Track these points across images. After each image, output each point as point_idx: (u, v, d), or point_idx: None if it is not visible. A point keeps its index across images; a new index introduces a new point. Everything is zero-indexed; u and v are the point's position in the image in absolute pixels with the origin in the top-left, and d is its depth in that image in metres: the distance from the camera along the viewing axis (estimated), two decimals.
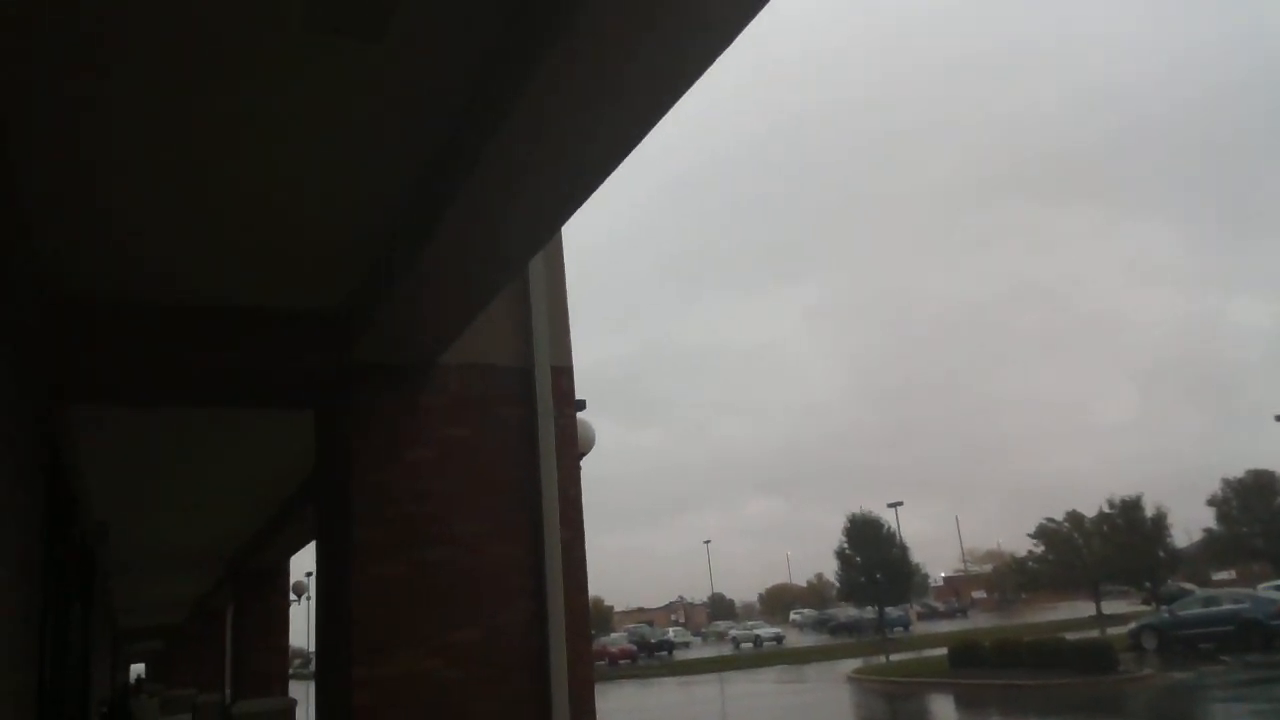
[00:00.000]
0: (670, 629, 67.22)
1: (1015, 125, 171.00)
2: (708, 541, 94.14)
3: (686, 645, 60.32)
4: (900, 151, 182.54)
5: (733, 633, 61.87)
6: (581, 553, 5.43)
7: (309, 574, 26.46)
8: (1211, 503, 55.05)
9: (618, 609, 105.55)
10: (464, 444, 5.22)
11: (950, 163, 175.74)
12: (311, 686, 6.00)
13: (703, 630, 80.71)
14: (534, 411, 5.40)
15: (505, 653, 4.93)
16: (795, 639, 59.02)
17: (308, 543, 12.56)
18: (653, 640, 54.21)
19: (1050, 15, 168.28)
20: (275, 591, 15.94)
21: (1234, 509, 53.79)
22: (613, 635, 55.80)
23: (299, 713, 15.99)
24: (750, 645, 54.51)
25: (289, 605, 17.05)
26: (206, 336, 4.98)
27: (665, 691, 30.54)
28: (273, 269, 4.72)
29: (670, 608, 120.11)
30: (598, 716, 5.28)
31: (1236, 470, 55.27)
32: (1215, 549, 56.62)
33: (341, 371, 5.09)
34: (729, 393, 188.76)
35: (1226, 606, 26.20)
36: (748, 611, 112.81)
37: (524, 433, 5.34)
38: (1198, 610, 27.07)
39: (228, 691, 18.66)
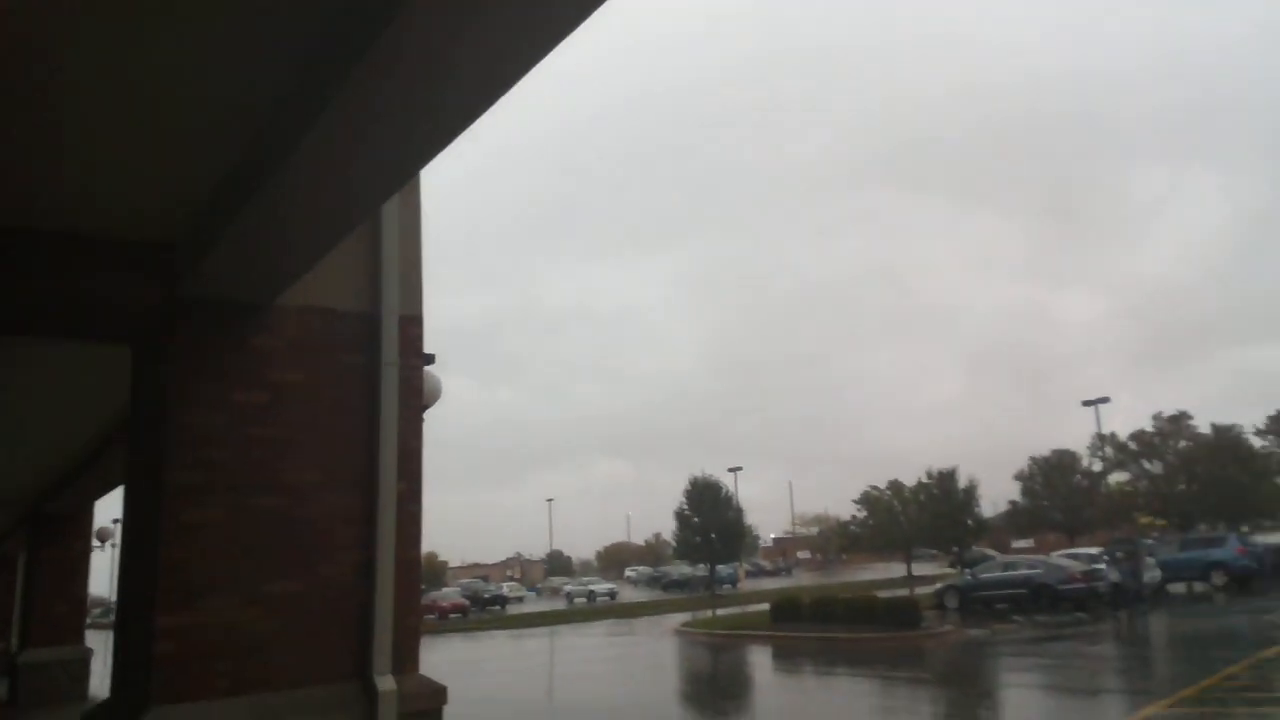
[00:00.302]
0: (505, 584, 67.42)
1: (884, 114, 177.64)
2: (551, 500, 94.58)
3: (520, 600, 60.76)
4: (774, 128, 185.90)
5: (567, 588, 62.65)
6: (417, 506, 5.32)
7: (116, 520, 24.82)
8: (1018, 477, 60.48)
9: (453, 564, 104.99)
10: (299, 389, 5.00)
11: (820, 144, 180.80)
12: (111, 636, 5.63)
13: (538, 586, 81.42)
14: (378, 360, 5.25)
15: (328, 604, 4.81)
16: (629, 595, 60.52)
17: (116, 486, 11.75)
18: (486, 595, 54.27)
19: (925, 8, 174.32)
20: (76, 537, 15.02)
21: (1038, 484, 59.25)
22: (445, 590, 55.36)
23: (95, 663, 15.07)
24: (584, 600, 55.42)
25: (90, 551, 16.01)
26: (12, 260, 4.55)
27: (494, 644, 30.68)
28: (98, 193, 4.35)
29: (507, 564, 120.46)
30: (421, 668, 5.26)
31: (1043, 449, 61.13)
32: (1018, 519, 62.16)
33: (166, 306, 4.77)
34: (586, 355, 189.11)
35: (1022, 571, 28.71)
36: (585, 569, 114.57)
37: (366, 381, 5.19)
38: (997, 574, 29.57)
39: (14, 640, 17.47)
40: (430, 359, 9.87)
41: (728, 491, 52.87)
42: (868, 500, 61.44)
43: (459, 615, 44.66)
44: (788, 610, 25.67)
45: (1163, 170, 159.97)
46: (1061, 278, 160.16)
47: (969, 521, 54.62)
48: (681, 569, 62.75)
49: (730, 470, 58.04)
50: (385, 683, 4.83)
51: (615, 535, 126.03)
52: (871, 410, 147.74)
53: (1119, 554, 28.63)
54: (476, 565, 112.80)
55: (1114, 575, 25.70)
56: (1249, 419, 62.99)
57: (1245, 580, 30.76)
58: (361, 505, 4.99)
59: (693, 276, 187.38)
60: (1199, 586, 31.92)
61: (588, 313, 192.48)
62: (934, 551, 62.22)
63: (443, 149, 3.45)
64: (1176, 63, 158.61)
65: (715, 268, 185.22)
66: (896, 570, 60.95)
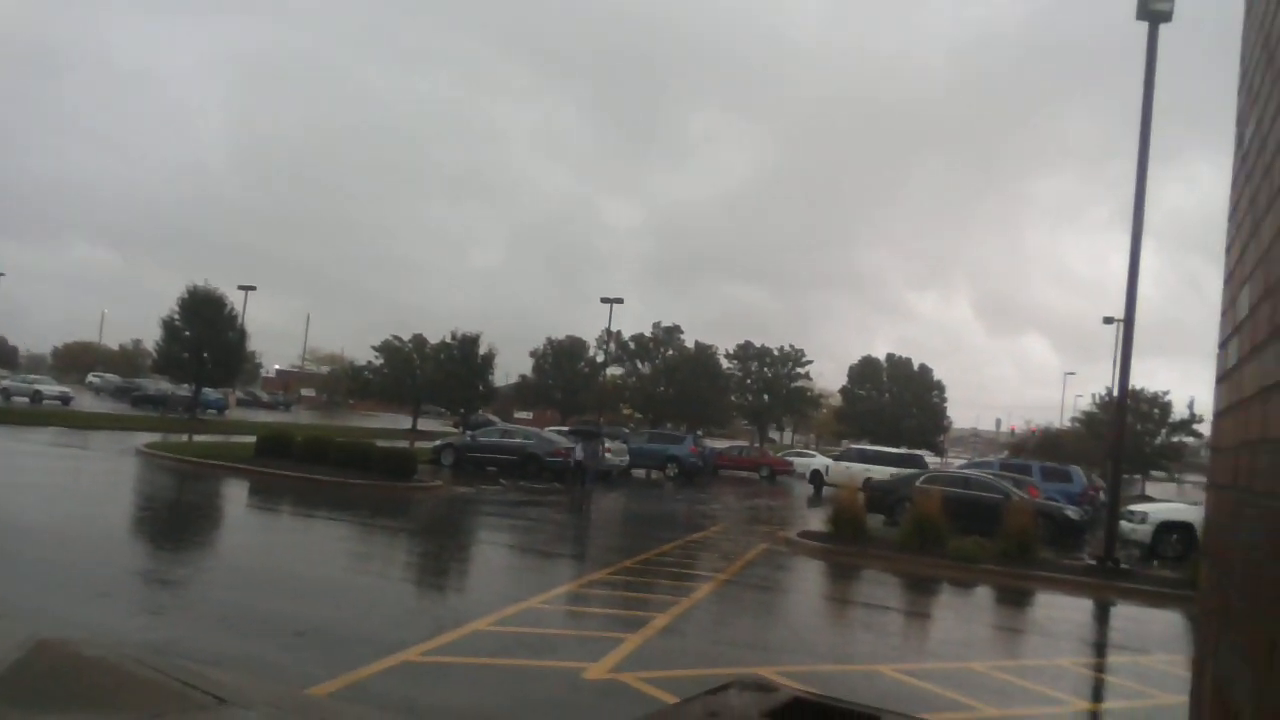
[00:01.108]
0: None
1: None
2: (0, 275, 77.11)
3: None
4: None
5: (6, 383, 52.69)
6: None
7: None
8: (533, 354, 64.60)
9: None
10: None
11: None
12: None
13: None
14: None
15: None
16: (88, 403, 52.86)
17: None
18: None
19: None
20: None
21: (548, 364, 63.85)
22: None
23: None
24: (26, 401, 47.18)
25: None
26: None
27: None
28: None
29: None
30: None
31: (561, 334, 65.80)
32: (525, 392, 66.49)
33: None
34: (89, 114, 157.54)
35: (517, 440, 30.45)
36: (36, 365, 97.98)
37: None
38: (495, 439, 31.03)
39: None
40: None
41: (233, 309, 48.14)
42: (387, 349, 60.62)
43: None
44: (276, 446, 24.04)
45: (714, 112, 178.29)
46: (615, 183, 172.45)
47: (480, 387, 56.84)
48: (160, 385, 56.32)
49: (241, 288, 52.66)
50: None
51: (85, 334, 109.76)
52: (413, 261, 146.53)
53: (579, 433, 31.53)
54: None
55: (579, 454, 28.18)
56: (725, 343, 74.45)
57: (692, 474, 36.43)
58: None
59: (242, 59, 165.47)
60: (656, 474, 36.90)
61: (106, 63, 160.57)
62: (443, 410, 63.90)
63: None
64: (745, 18, 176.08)
65: (272, 58, 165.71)
66: (403, 423, 61.40)
